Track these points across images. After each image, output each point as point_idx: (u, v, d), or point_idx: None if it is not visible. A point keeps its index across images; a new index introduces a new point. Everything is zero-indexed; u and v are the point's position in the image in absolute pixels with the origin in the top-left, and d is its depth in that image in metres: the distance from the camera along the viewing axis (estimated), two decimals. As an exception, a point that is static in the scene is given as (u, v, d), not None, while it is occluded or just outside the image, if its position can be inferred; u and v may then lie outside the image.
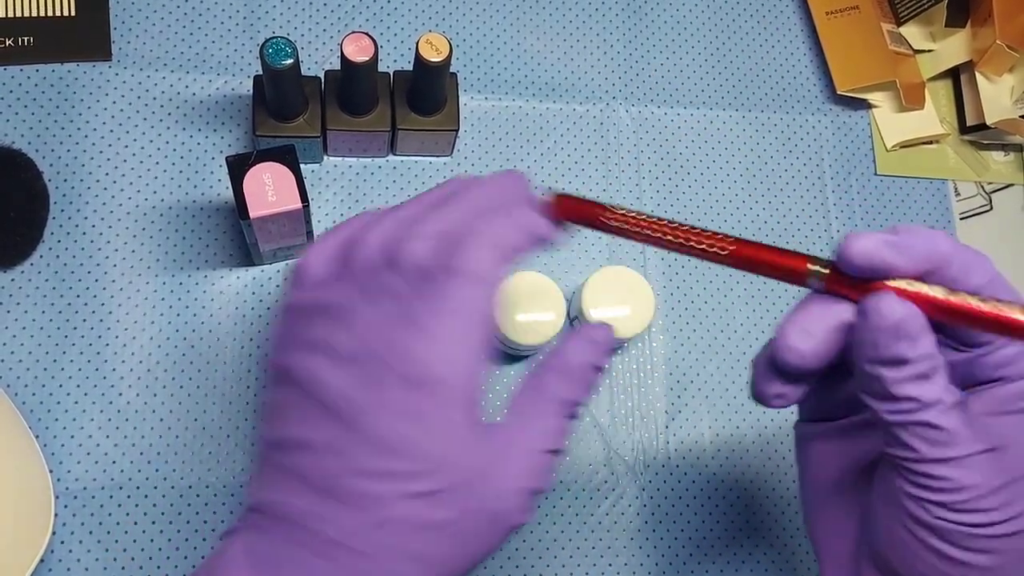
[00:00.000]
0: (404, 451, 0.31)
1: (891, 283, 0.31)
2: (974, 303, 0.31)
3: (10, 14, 0.58)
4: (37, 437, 0.50)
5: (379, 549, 0.31)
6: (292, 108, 0.55)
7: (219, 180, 0.58)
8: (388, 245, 0.34)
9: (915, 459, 0.31)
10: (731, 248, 0.33)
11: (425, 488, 0.31)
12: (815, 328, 0.32)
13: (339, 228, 0.36)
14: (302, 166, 0.51)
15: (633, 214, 0.34)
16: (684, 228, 0.34)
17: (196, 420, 0.53)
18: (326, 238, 0.36)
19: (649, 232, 0.34)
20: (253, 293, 0.56)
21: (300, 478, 0.32)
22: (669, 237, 0.34)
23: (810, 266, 0.32)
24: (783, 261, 0.33)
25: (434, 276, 0.32)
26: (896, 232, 0.31)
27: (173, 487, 0.52)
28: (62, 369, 0.53)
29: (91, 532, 0.51)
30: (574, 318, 0.57)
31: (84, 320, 0.54)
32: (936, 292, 0.31)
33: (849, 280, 0.32)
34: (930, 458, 0.31)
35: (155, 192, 0.57)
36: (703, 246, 0.33)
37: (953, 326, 0.33)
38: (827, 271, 0.32)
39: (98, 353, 0.54)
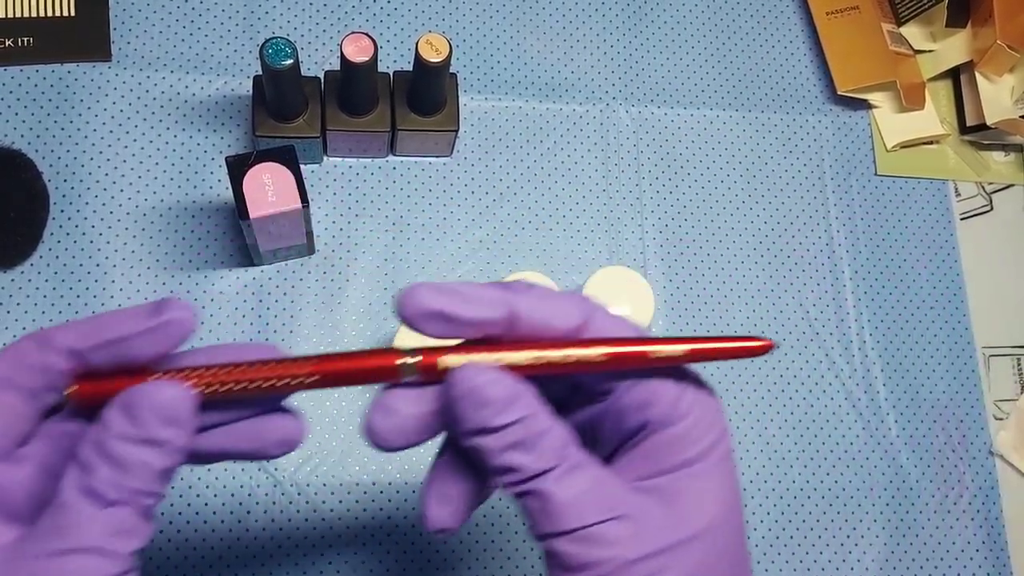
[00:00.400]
0: None
1: (457, 356, 0.29)
2: (550, 355, 0.29)
3: (10, 14, 0.58)
4: (37, 437, 0.50)
5: None
6: (292, 108, 0.55)
7: (219, 180, 0.58)
8: None
9: (537, 532, 0.29)
10: (315, 371, 0.29)
11: None
12: (397, 405, 0.29)
13: None
14: (302, 166, 0.51)
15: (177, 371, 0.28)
16: (240, 369, 0.28)
17: (196, 420, 0.53)
18: None
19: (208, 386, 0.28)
20: (253, 293, 0.56)
21: None
22: (234, 385, 0.28)
23: (399, 361, 0.29)
24: (370, 363, 0.29)
25: None
26: (462, 286, 0.29)
27: (172, 487, 0.52)
28: (62, 369, 0.53)
29: (91, 532, 0.51)
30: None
31: (84, 320, 0.54)
32: (511, 354, 0.29)
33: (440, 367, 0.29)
34: (548, 532, 0.29)
35: (155, 192, 0.57)
36: (284, 382, 0.29)
37: (570, 377, 0.30)
38: (418, 358, 0.29)
39: (98, 353, 0.54)
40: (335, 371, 0.29)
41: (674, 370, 0.30)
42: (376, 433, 0.29)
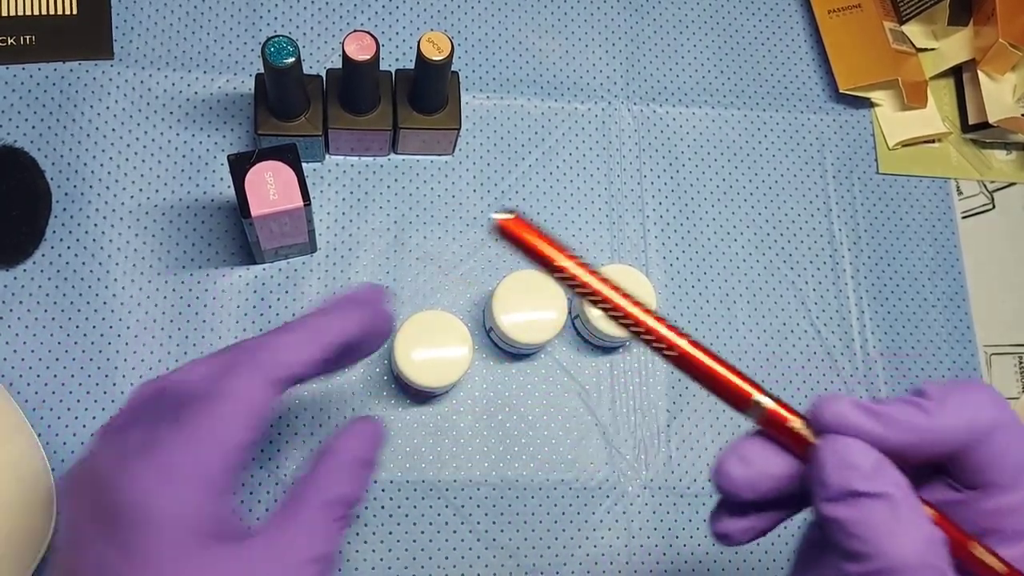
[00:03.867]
0: None
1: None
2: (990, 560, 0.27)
3: (12, 13, 0.58)
4: (39, 435, 0.51)
5: None
6: (294, 107, 0.55)
7: (221, 179, 0.58)
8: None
9: None
10: (682, 351, 0.30)
11: None
12: (753, 457, 0.30)
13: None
14: (304, 165, 0.51)
15: (591, 278, 0.30)
16: (629, 299, 0.30)
17: (198, 418, 0.54)
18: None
19: (601, 301, 0.30)
20: (255, 292, 0.56)
21: None
22: (620, 313, 0.30)
23: (755, 396, 0.30)
24: (731, 381, 0.30)
25: (189, 403, 0.32)
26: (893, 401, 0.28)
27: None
28: (64, 367, 0.53)
29: (93, 530, 0.51)
30: (575, 316, 0.57)
31: (86, 318, 0.54)
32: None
33: (793, 425, 0.30)
34: None
35: (157, 191, 0.57)
36: (651, 335, 0.30)
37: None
38: (772, 404, 0.30)
39: (100, 351, 0.54)
40: (698, 363, 0.30)
41: None
42: (728, 477, 0.30)
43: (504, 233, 0.29)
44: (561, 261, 0.30)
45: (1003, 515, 0.29)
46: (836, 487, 0.27)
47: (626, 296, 0.30)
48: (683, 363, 0.30)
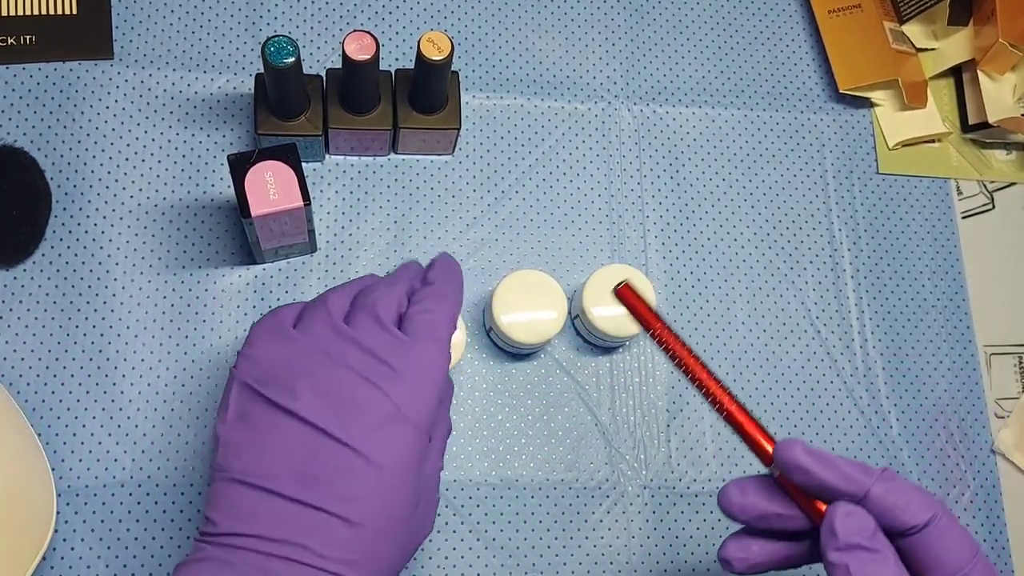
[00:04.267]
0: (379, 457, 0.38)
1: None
2: None
3: (12, 12, 0.58)
4: (39, 435, 0.51)
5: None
6: (294, 107, 0.55)
7: (221, 178, 0.58)
8: (365, 303, 0.42)
9: None
10: (723, 400, 0.40)
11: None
12: (750, 488, 0.39)
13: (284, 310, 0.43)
14: (304, 164, 0.51)
15: (674, 342, 0.40)
16: (701, 371, 0.40)
17: (198, 418, 0.54)
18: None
19: (677, 360, 0.40)
20: (255, 292, 0.56)
21: (275, 504, 0.37)
22: (690, 373, 0.40)
23: (770, 448, 0.39)
24: (757, 433, 0.39)
25: (408, 337, 0.41)
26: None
27: (175, 485, 0.52)
28: (64, 367, 0.53)
29: (93, 530, 0.51)
30: (575, 316, 0.57)
31: (86, 318, 0.54)
32: None
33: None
34: None
35: (157, 190, 0.57)
36: (699, 379, 0.40)
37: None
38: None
39: (100, 351, 0.54)
40: (733, 414, 0.39)
41: None
42: (726, 497, 0.39)
43: (620, 296, 0.41)
44: (655, 324, 0.40)
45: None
46: (845, 540, 0.35)
47: (696, 358, 0.40)
48: (729, 419, 0.39)
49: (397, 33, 0.63)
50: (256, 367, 0.40)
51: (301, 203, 0.50)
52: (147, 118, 0.58)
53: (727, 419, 0.39)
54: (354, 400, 0.38)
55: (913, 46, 0.68)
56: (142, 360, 0.54)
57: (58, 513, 0.49)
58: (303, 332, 0.41)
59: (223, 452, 0.39)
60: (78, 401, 0.53)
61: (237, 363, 0.41)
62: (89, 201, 0.56)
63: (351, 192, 0.59)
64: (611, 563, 0.55)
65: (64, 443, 0.52)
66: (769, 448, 0.39)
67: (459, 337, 0.52)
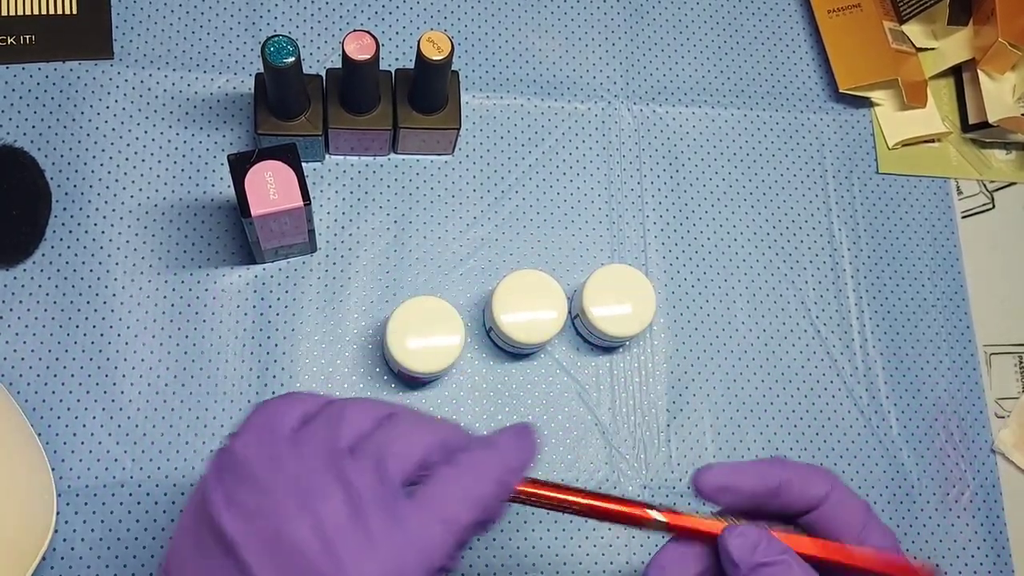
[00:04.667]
0: None
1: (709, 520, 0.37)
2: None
3: (12, 12, 0.58)
4: (39, 435, 0.51)
5: None
6: (294, 106, 0.55)
7: (221, 178, 0.58)
8: (362, 438, 0.33)
9: None
10: (584, 503, 0.37)
11: None
12: (668, 562, 0.37)
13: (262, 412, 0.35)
14: (304, 164, 0.51)
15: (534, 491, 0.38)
16: (550, 489, 0.37)
17: (198, 418, 0.54)
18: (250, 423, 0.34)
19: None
20: (255, 291, 0.56)
21: None
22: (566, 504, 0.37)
23: (651, 513, 0.37)
24: (627, 510, 0.37)
25: (411, 502, 0.32)
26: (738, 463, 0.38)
27: (175, 485, 0.52)
28: (64, 367, 0.53)
29: (93, 530, 0.51)
30: (575, 316, 0.57)
31: (86, 318, 0.54)
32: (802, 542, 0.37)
33: (689, 522, 0.37)
34: None
35: (157, 190, 0.57)
36: (561, 502, 0.37)
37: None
38: (665, 519, 0.37)
39: (100, 351, 0.54)
40: (599, 508, 0.37)
41: None
42: None
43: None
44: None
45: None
46: (745, 564, 0.35)
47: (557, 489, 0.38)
48: (589, 512, 0.37)
49: (397, 33, 0.63)
50: (231, 471, 0.33)
51: (301, 203, 0.50)
52: (147, 118, 0.58)
53: (590, 511, 0.37)
54: (305, 572, 0.30)
55: (913, 46, 0.68)
56: (142, 360, 0.54)
57: (58, 513, 0.49)
58: (295, 447, 0.33)
59: (169, 558, 0.33)
60: (78, 401, 0.53)
61: (217, 453, 0.34)
62: (89, 201, 0.56)
63: (351, 192, 0.59)
64: (611, 563, 0.55)
65: (64, 443, 0.52)
66: (637, 512, 0.37)
67: (456, 339, 0.52)
